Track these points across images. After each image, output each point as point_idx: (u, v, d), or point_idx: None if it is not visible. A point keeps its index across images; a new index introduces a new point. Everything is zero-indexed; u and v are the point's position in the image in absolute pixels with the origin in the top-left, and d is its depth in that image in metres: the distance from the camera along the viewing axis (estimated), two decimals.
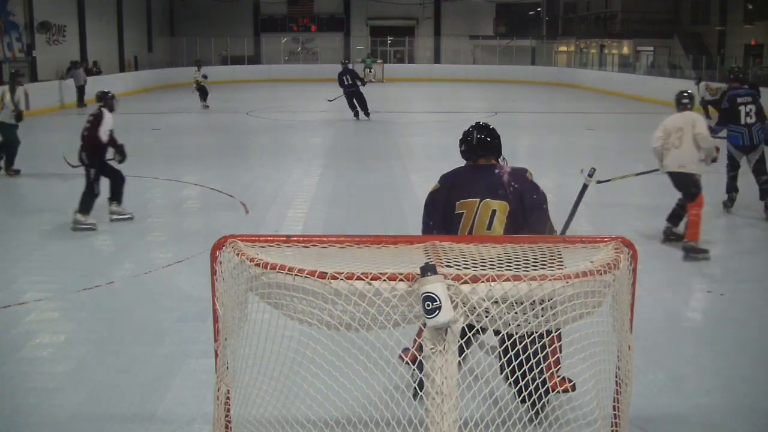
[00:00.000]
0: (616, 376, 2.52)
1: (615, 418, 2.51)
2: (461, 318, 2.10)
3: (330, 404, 2.44)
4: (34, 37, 23.79)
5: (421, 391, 2.33)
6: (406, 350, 3.52)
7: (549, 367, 2.28)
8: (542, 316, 2.15)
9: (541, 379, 2.23)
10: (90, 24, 27.76)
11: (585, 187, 4.39)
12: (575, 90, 30.09)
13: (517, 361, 2.21)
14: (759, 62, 25.75)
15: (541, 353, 2.21)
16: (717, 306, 5.66)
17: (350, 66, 20.02)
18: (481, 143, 3.72)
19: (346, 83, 18.02)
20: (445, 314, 2.03)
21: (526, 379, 2.22)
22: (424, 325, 2.11)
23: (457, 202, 3.59)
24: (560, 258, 2.40)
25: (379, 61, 35.55)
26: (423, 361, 2.14)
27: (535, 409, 2.39)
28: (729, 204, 8.72)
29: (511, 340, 2.16)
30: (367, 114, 18.35)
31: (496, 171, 3.66)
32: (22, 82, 11.51)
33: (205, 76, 21.44)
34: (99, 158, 7.84)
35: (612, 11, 35.16)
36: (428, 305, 2.04)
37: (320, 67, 35.46)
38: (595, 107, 23.36)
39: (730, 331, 5.13)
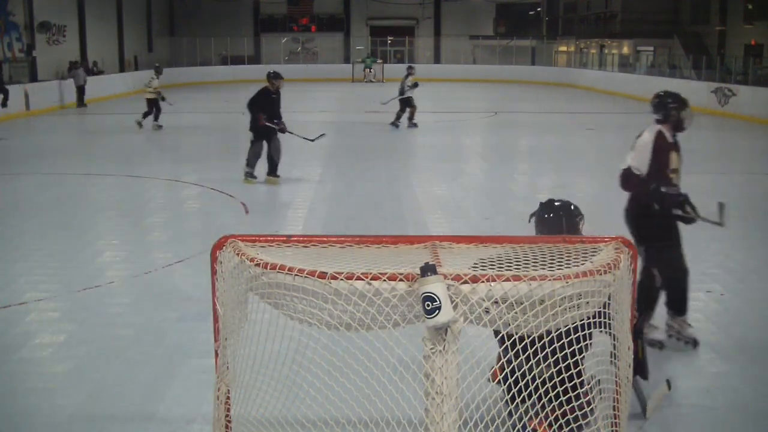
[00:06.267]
0: (616, 376, 2.53)
1: (615, 418, 2.51)
2: (461, 318, 2.10)
3: (330, 404, 2.44)
4: (34, 37, 23.75)
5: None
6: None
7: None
8: (542, 316, 2.15)
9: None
10: (90, 24, 27.69)
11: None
12: (575, 90, 30.06)
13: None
14: (759, 62, 25.69)
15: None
16: (717, 306, 5.66)
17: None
18: None
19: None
20: (445, 314, 2.03)
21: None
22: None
23: None
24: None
25: (379, 61, 35.51)
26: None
27: None
28: None
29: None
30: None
31: None
32: None
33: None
34: None
35: (612, 11, 35.12)
36: (428, 305, 2.04)
37: (320, 67, 35.46)
38: (595, 107, 23.35)
39: (730, 331, 5.13)
